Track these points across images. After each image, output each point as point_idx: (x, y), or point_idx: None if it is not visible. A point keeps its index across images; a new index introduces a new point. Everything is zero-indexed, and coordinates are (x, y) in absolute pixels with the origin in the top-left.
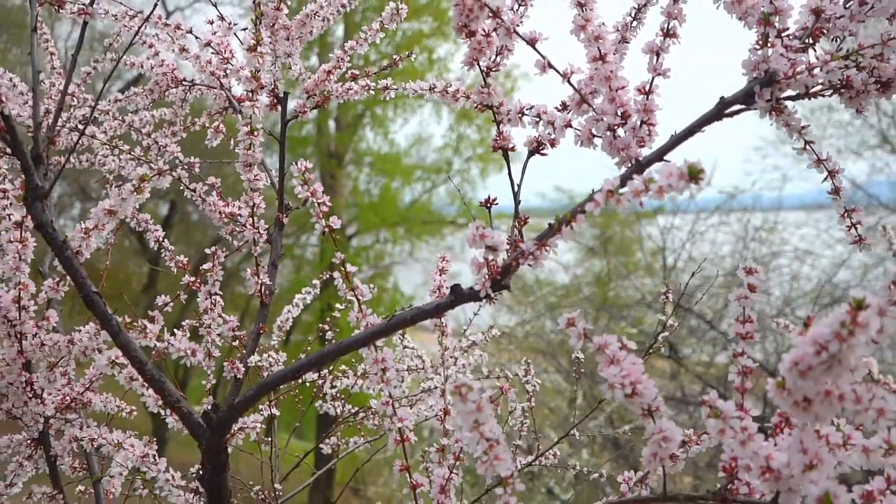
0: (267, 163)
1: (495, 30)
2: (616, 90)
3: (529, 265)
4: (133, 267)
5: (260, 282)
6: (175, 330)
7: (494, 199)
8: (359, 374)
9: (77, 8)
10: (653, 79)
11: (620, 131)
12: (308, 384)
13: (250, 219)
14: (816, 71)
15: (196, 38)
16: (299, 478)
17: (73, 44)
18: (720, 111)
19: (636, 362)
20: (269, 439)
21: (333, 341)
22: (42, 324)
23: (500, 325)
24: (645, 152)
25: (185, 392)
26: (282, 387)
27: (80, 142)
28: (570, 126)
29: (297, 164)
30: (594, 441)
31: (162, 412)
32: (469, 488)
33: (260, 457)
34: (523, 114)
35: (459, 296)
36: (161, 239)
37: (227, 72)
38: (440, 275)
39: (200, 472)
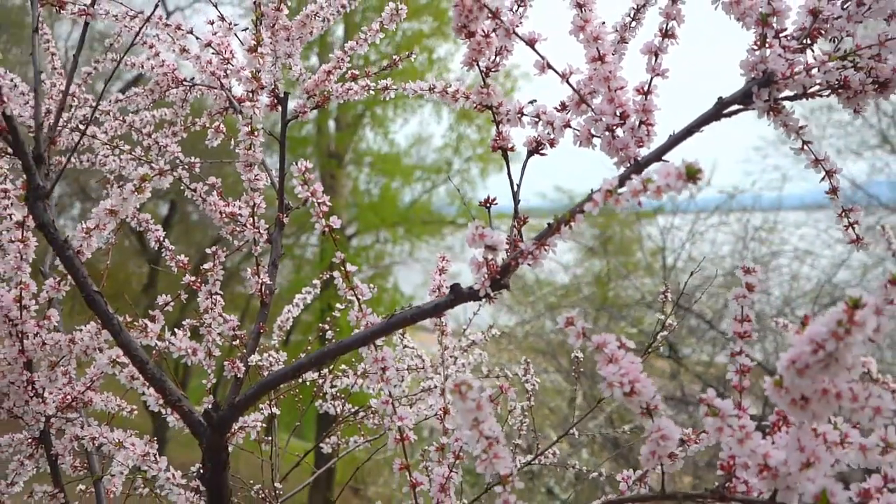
0: (267, 163)
1: (494, 30)
2: (615, 90)
3: (529, 265)
4: (133, 267)
5: (260, 281)
6: (176, 329)
7: (494, 199)
8: (359, 373)
9: (78, 8)
10: (651, 79)
11: (619, 131)
12: (308, 383)
13: (251, 218)
14: (814, 71)
15: (196, 38)
16: (299, 477)
17: (74, 44)
18: (718, 111)
19: (635, 361)
20: (270, 438)
21: (333, 341)
22: (43, 323)
23: (499, 324)
24: (643, 152)
25: (185, 391)
26: (282, 386)
27: (80, 142)
28: (569, 126)
29: (297, 164)
30: (594, 441)
31: (163, 411)
32: (469, 488)
33: (260, 456)
34: (522, 114)
35: (459, 295)
36: (162, 239)
37: (228, 72)
38: (440, 274)
39: (201, 471)
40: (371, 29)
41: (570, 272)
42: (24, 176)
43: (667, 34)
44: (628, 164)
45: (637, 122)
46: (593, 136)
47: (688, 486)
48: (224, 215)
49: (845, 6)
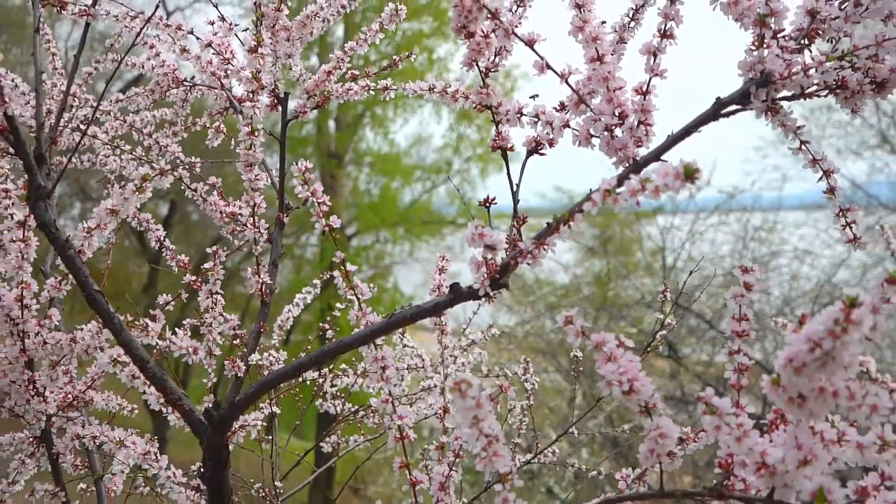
0: (267, 163)
1: (494, 31)
2: (614, 90)
3: (528, 264)
4: (134, 266)
5: (260, 281)
6: (176, 328)
7: (493, 199)
8: (359, 372)
9: (79, 9)
10: (650, 79)
11: (618, 131)
12: (308, 383)
13: (251, 218)
14: (812, 72)
15: (197, 38)
16: (299, 476)
17: (74, 44)
18: (716, 111)
19: (633, 360)
20: (270, 437)
21: (333, 340)
22: (44, 322)
23: (499, 324)
24: (642, 152)
25: (186, 390)
26: (282, 385)
27: (81, 142)
28: (569, 126)
29: (297, 163)
30: (593, 440)
31: (163, 410)
32: (469, 486)
33: (260, 455)
34: (522, 114)
35: (458, 294)
36: (162, 238)
37: (228, 72)
38: (440, 274)
39: (201, 470)
40: (371, 29)
41: (570, 272)
42: (26, 176)
43: (665, 34)
44: (627, 164)
45: (636, 122)
46: (592, 135)
47: (687, 485)
48: (224, 215)
49: (843, 7)
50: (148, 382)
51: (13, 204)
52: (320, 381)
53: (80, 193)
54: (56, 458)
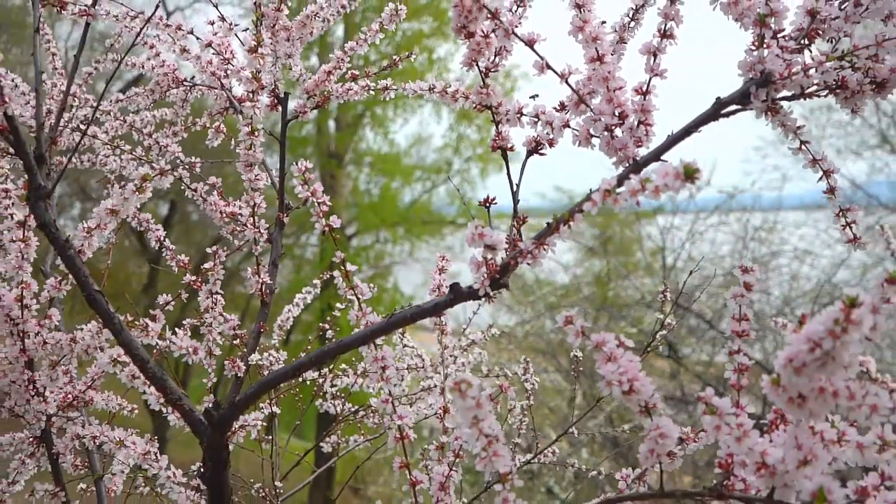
0: (267, 163)
1: (494, 31)
2: (614, 90)
3: (528, 264)
4: (133, 266)
5: (260, 281)
6: (176, 328)
7: (493, 199)
8: (359, 372)
9: (79, 9)
10: (650, 79)
11: (618, 131)
12: (308, 383)
13: (251, 218)
14: (812, 72)
15: (197, 38)
16: (299, 476)
17: (74, 44)
18: (716, 111)
19: (633, 360)
20: (270, 437)
21: (333, 340)
22: (44, 322)
23: (499, 324)
24: (642, 152)
25: (186, 390)
26: (282, 385)
27: (81, 142)
28: (569, 126)
29: (297, 163)
30: (593, 440)
31: (163, 410)
32: (469, 486)
33: (260, 455)
34: (522, 114)
35: (458, 294)
36: (162, 238)
37: (228, 72)
38: (440, 274)
39: (201, 470)
40: (371, 29)
41: (570, 272)
42: (26, 176)
43: (665, 35)
44: (627, 164)
45: (636, 122)
46: (592, 135)
47: (687, 485)
48: (224, 215)
49: (843, 7)
50: (148, 382)
51: (13, 204)
52: (320, 381)
53: (80, 193)
54: (56, 458)
